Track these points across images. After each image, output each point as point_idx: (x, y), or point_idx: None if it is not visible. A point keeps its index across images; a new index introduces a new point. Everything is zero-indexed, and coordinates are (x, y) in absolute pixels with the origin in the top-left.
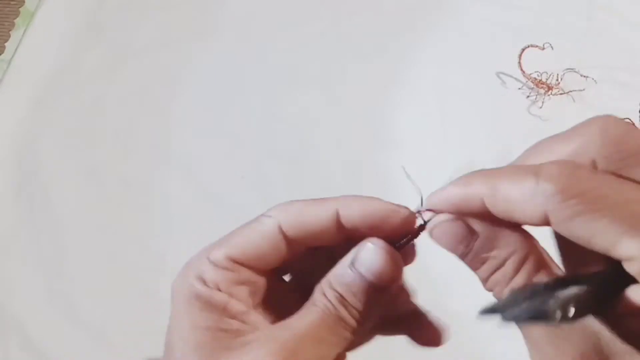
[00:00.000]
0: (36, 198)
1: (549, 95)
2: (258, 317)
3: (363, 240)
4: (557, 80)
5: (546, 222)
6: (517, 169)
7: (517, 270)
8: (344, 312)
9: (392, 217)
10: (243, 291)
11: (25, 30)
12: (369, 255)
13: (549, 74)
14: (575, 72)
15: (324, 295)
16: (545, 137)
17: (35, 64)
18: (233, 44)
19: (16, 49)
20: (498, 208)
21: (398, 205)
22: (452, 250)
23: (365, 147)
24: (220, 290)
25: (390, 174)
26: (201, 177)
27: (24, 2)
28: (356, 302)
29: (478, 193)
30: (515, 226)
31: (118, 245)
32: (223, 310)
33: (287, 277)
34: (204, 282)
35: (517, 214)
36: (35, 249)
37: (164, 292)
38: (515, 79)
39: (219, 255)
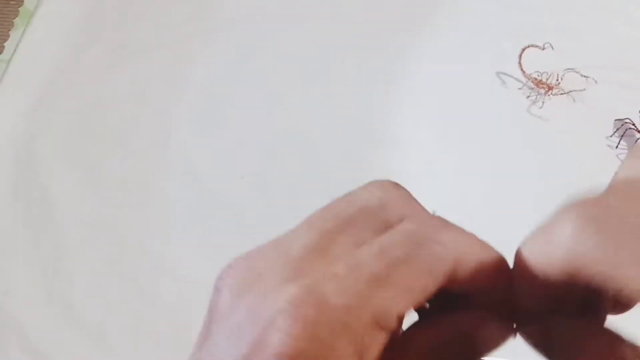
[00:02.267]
0: (35, 198)
1: (549, 95)
2: None
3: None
4: (558, 80)
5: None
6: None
7: None
8: None
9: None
10: (376, 352)
11: (24, 30)
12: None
13: (549, 74)
14: (575, 72)
15: None
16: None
17: (34, 63)
18: (232, 44)
19: (15, 49)
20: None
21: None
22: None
23: (365, 147)
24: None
25: (390, 173)
26: (201, 177)
27: (23, 1)
28: None
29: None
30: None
31: (117, 246)
32: None
33: None
34: (359, 356)
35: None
36: (34, 249)
37: (163, 292)
38: (516, 79)
39: (393, 314)
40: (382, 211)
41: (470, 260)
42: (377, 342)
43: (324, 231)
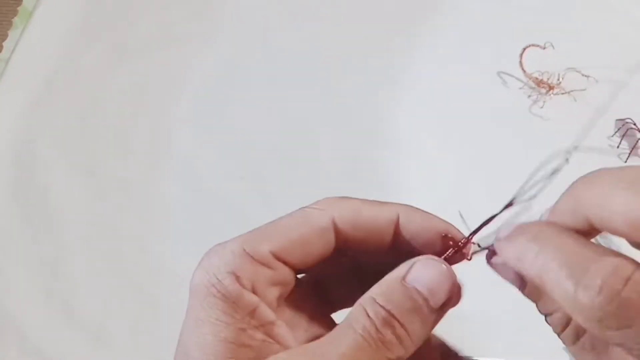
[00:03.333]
0: (34, 198)
1: (550, 94)
2: (283, 331)
3: (418, 257)
4: (559, 79)
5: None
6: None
7: (564, 325)
8: (389, 336)
9: (448, 237)
10: (275, 293)
11: (23, 30)
12: (426, 271)
13: (550, 73)
14: (576, 71)
15: (366, 314)
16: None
17: (33, 63)
18: (232, 44)
19: (14, 49)
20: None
21: (455, 228)
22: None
23: (365, 147)
24: (256, 289)
25: (391, 173)
26: (201, 177)
27: (21, 1)
28: (407, 322)
29: (528, 274)
30: None
31: (117, 246)
32: (250, 316)
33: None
34: (237, 279)
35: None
36: (34, 249)
37: (162, 292)
38: (517, 78)
39: (262, 248)
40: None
41: (349, 213)
42: (261, 275)
43: None
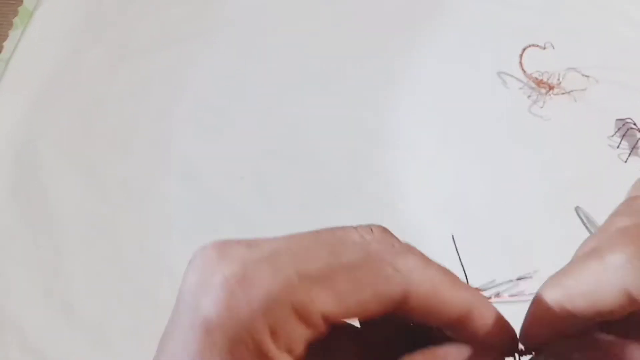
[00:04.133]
0: (34, 198)
1: (550, 95)
2: None
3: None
4: (559, 79)
5: (630, 299)
6: (577, 261)
7: None
8: None
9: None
10: (302, 349)
11: (23, 30)
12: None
13: (550, 73)
14: (576, 71)
15: None
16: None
17: (33, 63)
18: (233, 44)
19: (15, 49)
20: (577, 306)
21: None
22: None
23: (365, 147)
24: (292, 350)
25: (390, 173)
26: (201, 177)
27: (22, 1)
28: None
29: (554, 299)
30: None
31: (117, 246)
32: None
33: None
34: (275, 336)
35: (598, 303)
36: (34, 249)
37: (162, 292)
38: (517, 78)
39: (314, 310)
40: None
41: (425, 290)
42: (300, 334)
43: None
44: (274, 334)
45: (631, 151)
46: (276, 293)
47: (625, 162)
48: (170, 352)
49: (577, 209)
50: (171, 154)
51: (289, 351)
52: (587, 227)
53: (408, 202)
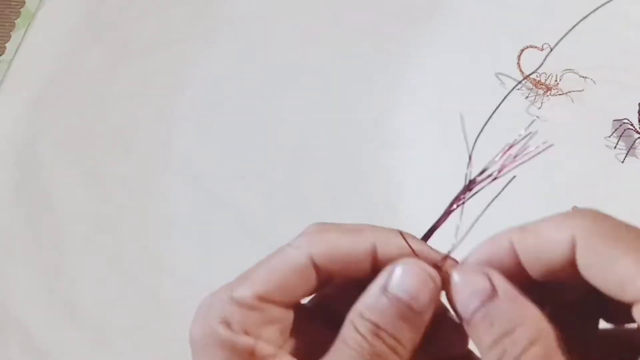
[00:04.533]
0: (36, 198)
1: (547, 95)
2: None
3: (393, 263)
4: (556, 80)
5: (572, 259)
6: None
7: (524, 350)
8: (381, 346)
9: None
10: (272, 331)
11: (25, 31)
12: (403, 276)
13: (547, 74)
14: (574, 72)
15: (356, 329)
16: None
17: (35, 64)
18: (233, 44)
19: (17, 50)
20: (527, 245)
21: (434, 250)
22: (463, 304)
23: (365, 147)
24: (248, 333)
25: (390, 174)
26: (201, 177)
27: (24, 2)
28: (395, 330)
29: (507, 237)
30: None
31: (118, 246)
32: (250, 356)
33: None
34: (229, 326)
35: (545, 252)
36: (36, 248)
37: (164, 291)
38: (514, 79)
39: (245, 293)
40: None
41: (326, 249)
42: (249, 317)
43: None
44: (227, 324)
45: (628, 152)
46: (221, 296)
47: (622, 162)
48: None
49: (574, 209)
50: (172, 153)
51: (247, 333)
52: None
53: (408, 202)
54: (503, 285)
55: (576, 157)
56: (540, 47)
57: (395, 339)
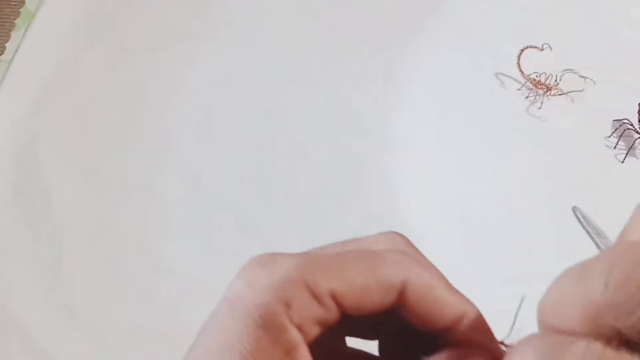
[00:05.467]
0: (35, 198)
1: (547, 96)
2: None
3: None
4: (556, 81)
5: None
6: None
7: None
8: None
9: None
10: (315, 332)
11: (25, 31)
12: None
13: (547, 74)
14: (574, 72)
15: None
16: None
17: (35, 64)
18: (232, 44)
19: (16, 50)
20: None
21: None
22: None
23: (365, 147)
24: (302, 327)
25: (390, 174)
26: (200, 177)
27: (24, 2)
28: None
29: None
30: None
31: (117, 246)
32: (287, 355)
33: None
34: (288, 309)
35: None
36: (35, 249)
37: (162, 291)
38: (514, 79)
39: (323, 284)
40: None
41: (422, 286)
42: (311, 311)
43: None
44: (287, 306)
45: (628, 152)
46: (290, 271)
47: (622, 162)
48: (203, 327)
49: (574, 209)
50: (170, 153)
51: (300, 326)
52: (584, 227)
53: (408, 202)
54: None
55: (576, 156)
56: (541, 47)
57: None
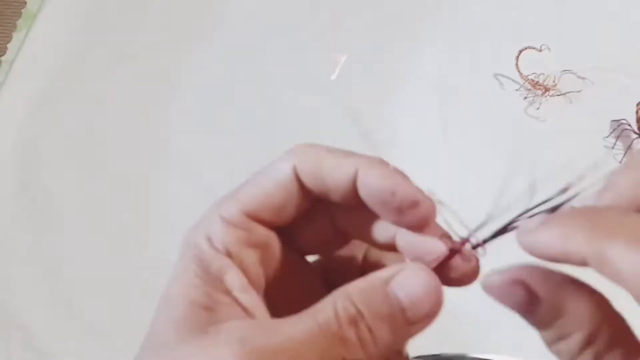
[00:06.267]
0: (38, 198)
1: (546, 96)
2: (251, 300)
3: (409, 263)
4: (554, 81)
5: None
6: (628, 231)
7: (583, 348)
8: (351, 334)
9: (416, 209)
10: (251, 256)
11: (27, 32)
12: (413, 281)
13: (546, 75)
14: (572, 73)
15: (334, 307)
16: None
17: (37, 65)
18: (233, 44)
19: (18, 51)
20: (605, 275)
21: (428, 198)
22: (509, 307)
23: (365, 147)
24: (230, 252)
25: None
26: (202, 176)
27: (25, 3)
28: (376, 327)
29: (580, 252)
30: (588, 292)
31: (119, 245)
32: (219, 281)
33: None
34: (211, 242)
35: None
36: (37, 248)
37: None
38: (513, 80)
39: (232, 209)
40: None
41: (310, 164)
42: (232, 235)
43: None
44: (209, 239)
45: (626, 152)
46: (210, 210)
47: (620, 162)
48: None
49: (571, 209)
50: (173, 153)
51: (228, 253)
52: None
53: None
54: (544, 289)
55: (574, 157)
56: (539, 47)
57: (371, 333)
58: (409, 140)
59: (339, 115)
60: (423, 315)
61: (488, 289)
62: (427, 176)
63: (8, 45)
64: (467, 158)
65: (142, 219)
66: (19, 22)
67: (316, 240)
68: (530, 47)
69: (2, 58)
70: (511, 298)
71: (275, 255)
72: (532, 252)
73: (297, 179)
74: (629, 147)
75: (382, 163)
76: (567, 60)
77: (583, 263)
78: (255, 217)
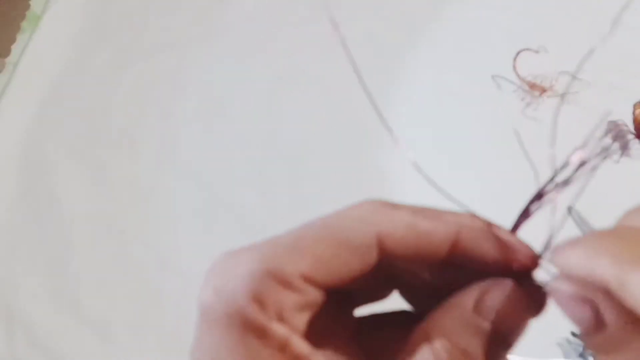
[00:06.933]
0: (43, 199)
1: (543, 97)
2: None
3: (491, 278)
4: (551, 83)
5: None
6: None
7: None
8: None
9: (516, 255)
10: (302, 319)
11: (31, 34)
12: (502, 298)
13: (543, 76)
14: (569, 74)
15: (435, 353)
16: None
17: (41, 66)
18: (235, 46)
19: (22, 52)
20: (628, 304)
21: (525, 245)
22: (569, 318)
23: (364, 148)
24: (282, 319)
25: (388, 174)
26: (205, 177)
27: (30, 5)
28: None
29: (603, 278)
30: None
31: (123, 245)
32: (281, 351)
33: None
34: (263, 307)
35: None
36: (42, 246)
37: (168, 289)
38: (510, 81)
39: (290, 270)
40: None
41: (400, 230)
42: (287, 300)
43: None
44: (260, 303)
45: (622, 152)
46: (254, 265)
47: (617, 163)
48: (192, 348)
49: (569, 209)
50: (176, 154)
51: (281, 319)
52: (579, 227)
53: (407, 202)
54: (612, 316)
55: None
56: (536, 49)
57: None
58: (407, 141)
59: (339, 117)
60: (517, 334)
61: (554, 293)
62: (424, 177)
63: (12, 47)
64: (465, 159)
65: (146, 218)
66: (23, 24)
67: (366, 298)
68: (527, 49)
69: (7, 60)
70: (575, 313)
71: (323, 315)
72: (564, 272)
73: (378, 246)
74: (625, 148)
75: (477, 220)
76: (564, 62)
77: (607, 287)
78: (312, 280)
